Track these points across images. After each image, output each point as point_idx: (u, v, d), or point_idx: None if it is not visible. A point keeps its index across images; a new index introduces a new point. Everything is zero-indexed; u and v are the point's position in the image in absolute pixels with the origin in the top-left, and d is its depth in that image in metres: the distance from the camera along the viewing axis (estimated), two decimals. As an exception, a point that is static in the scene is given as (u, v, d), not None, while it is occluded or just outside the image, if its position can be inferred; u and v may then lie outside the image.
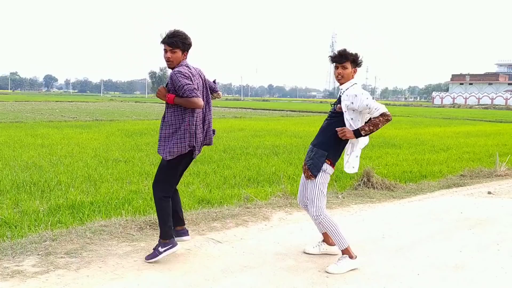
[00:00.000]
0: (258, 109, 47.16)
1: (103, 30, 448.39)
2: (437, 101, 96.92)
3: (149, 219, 5.31)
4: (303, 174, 4.36)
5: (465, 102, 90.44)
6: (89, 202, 6.37)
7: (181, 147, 4.03)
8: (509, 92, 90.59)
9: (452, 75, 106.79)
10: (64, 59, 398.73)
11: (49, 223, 5.37)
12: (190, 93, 3.91)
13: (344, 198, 7.02)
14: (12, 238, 4.81)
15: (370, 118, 4.17)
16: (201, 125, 4.18)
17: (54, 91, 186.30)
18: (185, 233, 4.54)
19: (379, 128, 4.08)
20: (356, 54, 4.20)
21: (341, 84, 4.23)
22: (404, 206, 6.70)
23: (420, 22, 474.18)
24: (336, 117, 4.22)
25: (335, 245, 4.48)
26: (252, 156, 11.29)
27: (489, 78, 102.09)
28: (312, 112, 41.72)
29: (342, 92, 4.21)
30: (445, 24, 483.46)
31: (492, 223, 5.87)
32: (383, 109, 4.08)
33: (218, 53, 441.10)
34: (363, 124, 4.17)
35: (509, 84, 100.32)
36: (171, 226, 4.24)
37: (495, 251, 4.82)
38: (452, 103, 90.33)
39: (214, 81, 4.56)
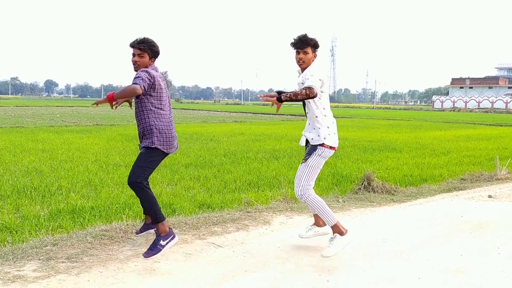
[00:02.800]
0: (258, 113, 47.19)
1: (104, 35, 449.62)
2: (437, 104, 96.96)
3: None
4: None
5: (465, 105, 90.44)
6: (90, 206, 6.37)
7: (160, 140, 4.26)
8: (509, 96, 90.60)
9: (452, 78, 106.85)
10: (65, 64, 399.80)
11: (49, 228, 5.38)
12: (135, 80, 4.05)
13: (344, 202, 7.02)
14: (13, 243, 4.82)
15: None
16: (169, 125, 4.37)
17: (54, 96, 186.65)
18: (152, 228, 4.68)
19: (298, 98, 4.06)
20: (315, 39, 4.32)
21: (302, 69, 4.35)
22: (404, 210, 6.70)
23: (420, 26, 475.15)
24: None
25: (326, 225, 4.67)
26: (252, 161, 11.29)
27: (489, 81, 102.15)
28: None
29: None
30: (445, 27, 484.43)
31: (492, 227, 5.87)
32: (311, 83, 4.08)
33: (218, 57, 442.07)
34: (322, 104, 4.27)
35: (509, 87, 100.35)
36: (159, 207, 4.26)
37: (496, 254, 4.82)
38: (452, 106, 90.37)
39: None
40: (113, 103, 4.11)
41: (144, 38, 4.29)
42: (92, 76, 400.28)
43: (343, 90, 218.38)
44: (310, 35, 4.32)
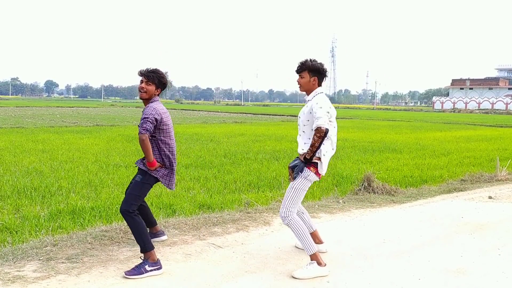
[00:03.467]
0: (258, 114, 47.22)
1: (104, 36, 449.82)
2: (437, 105, 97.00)
3: (150, 224, 5.31)
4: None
5: (466, 106, 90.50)
6: (90, 207, 6.37)
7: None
8: (509, 97, 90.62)
9: (453, 79, 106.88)
10: (65, 64, 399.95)
11: (50, 228, 5.38)
12: (141, 129, 4.21)
13: (345, 203, 7.02)
14: (13, 243, 4.82)
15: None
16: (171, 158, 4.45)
17: (55, 97, 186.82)
18: (162, 233, 4.89)
19: (317, 146, 4.08)
20: (314, 64, 4.27)
21: (304, 92, 4.41)
22: (405, 211, 6.70)
23: (420, 27, 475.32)
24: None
25: (322, 243, 4.66)
26: (252, 161, 11.29)
27: (490, 82, 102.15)
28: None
29: (307, 100, 4.37)
30: (445, 28, 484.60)
31: (493, 228, 5.86)
32: (318, 122, 4.08)
33: (218, 58, 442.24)
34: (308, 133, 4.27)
35: (509, 88, 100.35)
36: (148, 236, 4.22)
37: (496, 255, 4.81)
38: (452, 107, 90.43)
39: None
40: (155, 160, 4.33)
41: (155, 69, 4.40)
42: (93, 76, 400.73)
43: (343, 91, 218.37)
44: (313, 60, 4.34)
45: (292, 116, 43.18)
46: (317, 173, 4.20)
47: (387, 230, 5.63)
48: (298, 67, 4.38)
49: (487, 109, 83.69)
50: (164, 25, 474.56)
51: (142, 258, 4.13)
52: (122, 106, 65.66)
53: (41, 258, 4.26)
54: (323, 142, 4.17)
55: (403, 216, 6.37)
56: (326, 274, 4.14)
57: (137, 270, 3.99)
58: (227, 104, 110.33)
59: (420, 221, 6.10)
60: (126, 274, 3.96)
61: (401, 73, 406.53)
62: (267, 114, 46.45)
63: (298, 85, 4.42)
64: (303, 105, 4.50)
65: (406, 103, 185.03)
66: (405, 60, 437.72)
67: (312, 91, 4.32)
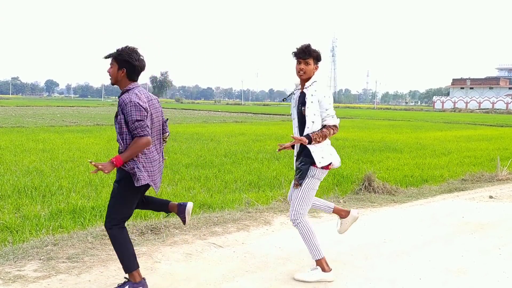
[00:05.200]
0: (259, 113, 47.19)
1: (104, 35, 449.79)
2: (438, 105, 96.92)
3: (150, 223, 5.31)
4: None
5: (466, 106, 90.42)
6: (91, 206, 6.37)
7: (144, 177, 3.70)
8: (510, 96, 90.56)
9: (453, 79, 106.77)
10: (66, 64, 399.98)
11: (50, 227, 5.38)
12: (142, 130, 3.58)
13: (345, 202, 7.02)
14: (13, 242, 4.81)
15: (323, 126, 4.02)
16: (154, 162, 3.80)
17: (55, 96, 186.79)
18: (183, 204, 4.10)
19: (325, 138, 3.97)
20: (318, 52, 4.11)
21: (302, 80, 4.10)
22: (405, 211, 6.69)
23: (421, 26, 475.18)
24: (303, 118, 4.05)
25: (349, 212, 4.40)
26: (253, 161, 11.29)
27: (490, 82, 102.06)
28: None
29: (304, 88, 4.09)
30: (446, 28, 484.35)
31: (493, 228, 5.86)
32: (337, 120, 4.01)
33: (218, 57, 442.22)
34: (318, 125, 4.00)
35: (510, 88, 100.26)
36: (134, 254, 3.65)
37: (497, 255, 4.81)
38: (453, 107, 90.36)
39: (166, 120, 4.04)
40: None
41: (122, 47, 3.75)
42: (93, 76, 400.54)
43: (343, 91, 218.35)
44: (313, 47, 4.09)
45: (293, 115, 43.17)
46: (325, 167, 4.03)
47: (388, 230, 5.63)
48: (303, 52, 4.03)
49: (488, 108, 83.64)
50: (164, 25, 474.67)
51: (126, 278, 3.65)
52: None
53: (41, 258, 4.26)
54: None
55: (404, 216, 6.37)
56: (331, 280, 4.01)
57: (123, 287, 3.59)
58: (227, 104, 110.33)
59: (421, 221, 6.09)
60: None
61: (402, 72, 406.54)
62: (268, 114, 46.43)
63: (301, 72, 4.05)
64: None
65: (406, 102, 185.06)
66: (406, 60, 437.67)
67: (310, 78, 4.09)
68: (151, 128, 3.71)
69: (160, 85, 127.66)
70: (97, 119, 28.98)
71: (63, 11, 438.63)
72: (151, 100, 3.77)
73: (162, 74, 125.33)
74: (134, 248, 4.57)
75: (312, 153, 3.95)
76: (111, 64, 3.72)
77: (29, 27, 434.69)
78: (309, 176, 4.00)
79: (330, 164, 4.03)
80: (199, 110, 54.18)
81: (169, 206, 4.05)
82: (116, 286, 3.66)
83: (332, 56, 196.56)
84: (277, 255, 4.62)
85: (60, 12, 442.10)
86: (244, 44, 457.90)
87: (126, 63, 3.66)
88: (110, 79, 3.78)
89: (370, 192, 7.64)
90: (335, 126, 4.01)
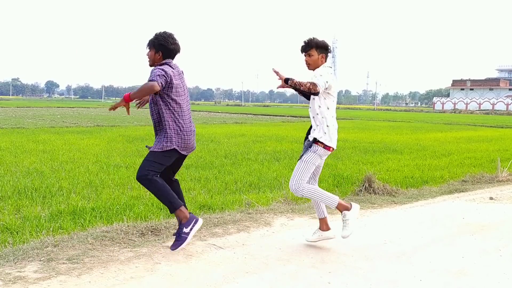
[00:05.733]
0: (259, 114, 47.19)
1: (104, 36, 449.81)
2: (438, 106, 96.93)
3: (150, 224, 5.31)
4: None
5: (466, 107, 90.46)
6: (91, 207, 6.37)
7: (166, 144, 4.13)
8: (510, 98, 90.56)
9: (453, 80, 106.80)
10: (66, 65, 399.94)
11: (50, 229, 5.37)
12: (153, 76, 3.92)
13: (345, 203, 7.01)
14: (13, 244, 4.81)
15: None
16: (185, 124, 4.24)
17: (55, 97, 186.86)
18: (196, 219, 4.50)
19: (301, 88, 4.19)
20: (322, 41, 4.38)
21: (311, 70, 4.43)
22: (405, 212, 6.69)
23: (421, 28, 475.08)
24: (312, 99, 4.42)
25: (329, 229, 4.74)
26: (253, 162, 11.29)
27: (490, 83, 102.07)
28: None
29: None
30: (446, 29, 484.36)
31: (494, 229, 5.86)
32: (317, 81, 4.20)
33: (218, 59, 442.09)
34: (326, 104, 4.35)
35: (510, 89, 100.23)
36: (174, 195, 4.05)
37: (497, 256, 4.81)
38: (453, 108, 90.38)
39: None
40: (130, 104, 4.04)
41: (159, 32, 4.21)
42: (93, 77, 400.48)
43: (343, 92, 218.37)
44: (317, 37, 4.39)
45: (293, 116, 43.18)
46: (326, 148, 4.31)
47: (388, 231, 5.62)
48: (304, 45, 4.36)
49: (488, 109, 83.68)
50: (164, 25, 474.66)
51: (178, 224, 3.97)
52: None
53: (42, 259, 4.25)
54: (326, 117, 4.34)
55: (404, 217, 6.37)
56: (358, 208, 4.54)
57: (180, 239, 3.90)
58: (227, 105, 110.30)
59: (421, 222, 6.09)
60: (171, 249, 3.91)
61: (402, 73, 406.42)
62: (268, 115, 46.43)
63: (307, 65, 4.39)
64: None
65: (406, 103, 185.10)
66: (406, 61, 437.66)
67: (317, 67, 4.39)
68: (181, 96, 4.14)
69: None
70: (97, 120, 28.98)
71: (63, 12, 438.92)
72: (180, 74, 4.23)
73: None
74: (134, 249, 4.59)
75: (317, 128, 4.31)
76: (149, 48, 4.17)
77: (30, 28, 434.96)
78: (311, 151, 4.30)
79: (331, 147, 4.40)
80: (199, 111, 54.18)
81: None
82: (175, 239, 4.01)
83: (332, 57, 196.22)
84: (278, 256, 4.62)
85: (60, 13, 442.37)
86: (244, 45, 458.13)
87: (162, 47, 4.11)
88: (148, 61, 4.21)
89: (370, 193, 7.64)
90: (313, 83, 4.17)
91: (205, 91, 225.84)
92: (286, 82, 4.20)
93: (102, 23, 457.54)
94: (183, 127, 4.18)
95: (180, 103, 4.16)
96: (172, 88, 4.10)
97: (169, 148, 4.12)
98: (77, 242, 4.71)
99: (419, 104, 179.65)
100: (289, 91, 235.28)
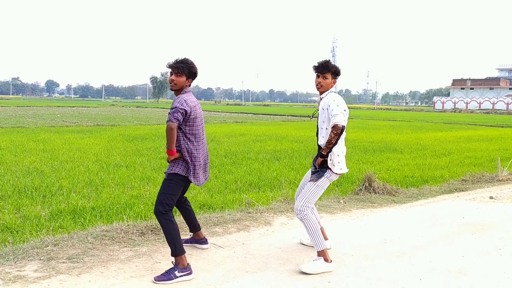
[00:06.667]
0: (259, 114, 47.19)
1: (105, 36, 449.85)
2: (438, 106, 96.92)
3: (150, 224, 5.31)
4: (309, 171, 4.62)
5: (466, 107, 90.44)
6: (91, 207, 6.37)
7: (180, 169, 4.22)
8: (510, 97, 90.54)
9: (453, 79, 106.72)
10: (66, 64, 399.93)
11: (50, 228, 5.38)
12: (170, 116, 4.06)
13: (345, 203, 7.01)
14: (13, 243, 4.81)
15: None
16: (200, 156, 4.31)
17: (55, 97, 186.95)
18: (205, 241, 4.78)
19: (333, 143, 4.31)
20: (337, 67, 4.47)
21: (320, 92, 4.49)
22: (405, 211, 6.69)
23: (421, 27, 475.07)
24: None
25: (326, 239, 4.74)
26: (253, 161, 11.29)
27: (490, 83, 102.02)
28: (313, 117, 41.65)
29: (321, 98, 4.50)
30: (446, 28, 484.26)
31: (494, 228, 5.86)
32: (335, 119, 4.26)
33: (219, 58, 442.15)
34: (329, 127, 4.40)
35: (510, 89, 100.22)
36: (180, 241, 4.11)
37: (497, 256, 4.81)
38: (453, 108, 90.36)
39: None
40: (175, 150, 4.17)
41: (184, 59, 4.30)
42: (93, 76, 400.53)
43: (344, 91, 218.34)
44: (332, 63, 4.48)
45: (293, 116, 43.18)
46: (338, 174, 4.45)
47: (388, 230, 5.62)
48: (321, 66, 4.40)
49: (488, 109, 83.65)
50: (164, 25, 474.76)
51: (173, 262, 4.03)
52: (123, 106, 65.56)
53: (42, 258, 4.26)
54: (338, 142, 4.40)
55: (404, 216, 6.37)
56: (331, 270, 4.24)
57: (167, 276, 3.91)
58: (227, 104, 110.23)
59: (421, 221, 6.09)
60: (155, 280, 3.89)
61: (402, 73, 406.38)
62: (268, 114, 46.44)
63: (318, 85, 4.44)
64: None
65: (406, 103, 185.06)
66: (406, 60, 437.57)
67: (326, 90, 4.47)
68: (196, 126, 4.24)
69: (160, 86, 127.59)
70: (97, 119, 28.98)
71: (63, 11, 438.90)
72: (196, 105, 4.26)
73: (162, 75, 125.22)
74: (134, 249, 4.59)
75: (331, 156, 4.41)
76: (177, 73, 4.22)
77: (30, 27, 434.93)
78: (325, 177, 4.40)
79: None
80: (200, 110, 54.08)
81: (196, 232, 4.75)
82: (164, 272, 3.97)
83: (333, 56, 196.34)
84: (278, 256, 4.62)
85: (60, 12, 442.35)
86: (245, 44, 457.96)
87: (193, 75, 4.31)
88: (175, 86, 4.26)
89: (370, 192, 7.64)
90: (334, 126, 4.28)
91: (205, 90, 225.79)
92: (324, 157, 4.35)
93: (102, 22, 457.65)
94: (195, 158, 4.24)
95: (195, 134, 4.25)
96: (190, 120, 4.21)
97: (182, 174, 4.21)
98: (77, 241, 4.71)
99: (419, 104, 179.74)
100: (289, 91, 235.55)
